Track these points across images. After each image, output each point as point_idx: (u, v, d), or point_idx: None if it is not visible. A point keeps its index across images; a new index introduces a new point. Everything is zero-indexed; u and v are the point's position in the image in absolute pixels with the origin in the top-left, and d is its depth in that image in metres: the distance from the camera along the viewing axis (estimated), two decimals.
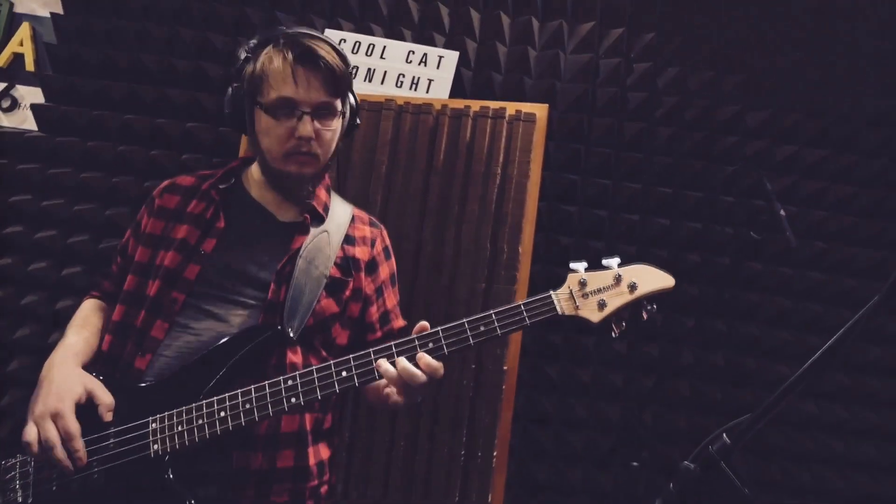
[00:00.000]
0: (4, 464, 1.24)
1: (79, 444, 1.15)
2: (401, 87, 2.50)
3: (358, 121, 1.47)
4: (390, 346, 1.17)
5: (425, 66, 2.55)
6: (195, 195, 1.39)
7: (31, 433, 1.16)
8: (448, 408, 2.03)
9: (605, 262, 1.21)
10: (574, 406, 2.44)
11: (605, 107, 2.66)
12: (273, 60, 1.28)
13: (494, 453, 2.00)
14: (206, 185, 1.40)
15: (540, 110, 2.16)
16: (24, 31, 2.81)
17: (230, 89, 1.35)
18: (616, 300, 1.17)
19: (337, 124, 1.36)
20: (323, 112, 1.31)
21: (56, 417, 1.16)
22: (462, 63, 2.67)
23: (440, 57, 2.57)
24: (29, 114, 2.72)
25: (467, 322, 1.17)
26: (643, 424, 2.31)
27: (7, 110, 2.77)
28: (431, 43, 2.68)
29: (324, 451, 1.36)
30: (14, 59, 2.81)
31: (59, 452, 1.14)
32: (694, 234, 2.54)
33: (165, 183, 1.45)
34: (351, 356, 1.19)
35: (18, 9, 2.84)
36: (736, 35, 2.66)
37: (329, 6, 2.76)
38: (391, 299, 1.49)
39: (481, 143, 2.14)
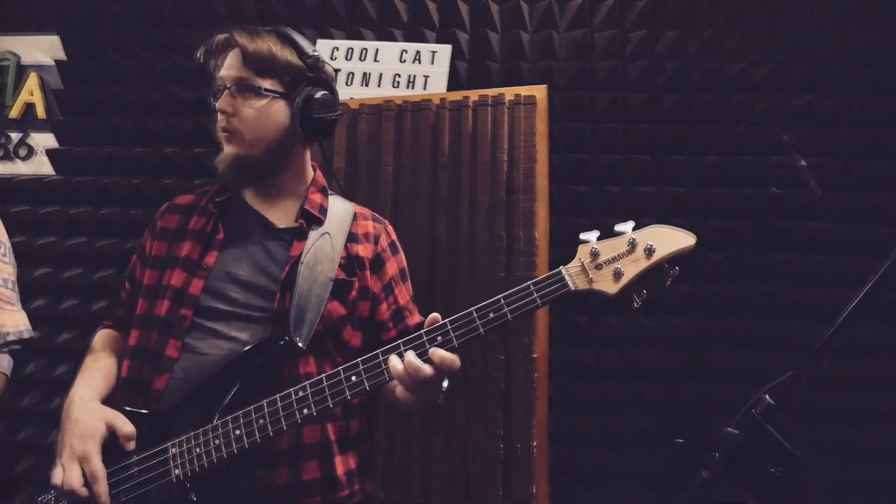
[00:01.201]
0: (40, 500, 1.26)
1: (102, 487, 1.16)
2: (398, 86, 2.50)
3: (331, 116, 1.40)
4: (398, 344, 1.14)
5: (419, 63, 2.55)
6: (195, 212, 1.41)
7: (57, 476, 1.17)
8: (480, 403, 2.02)
9: (617, 227, 1.13)
10: (609, 388, 2.41)
11: (606, 81, 2.62)
12: (207, 57, 1.38)
13: (533, 444, 1.99)
14: (205, 201, 1.42)
15: (539, 91, 2.14)
16: (32, 81, 2.88)
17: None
18: (633, 267, 1.08)
19: (261, 104, 1.32)
20: (243, 89, 1.31)
21: (83, 461, 1.17)
22: (457, 56, 2.66)
23: (433, 52, 2.56)
24: (45, 159, 2.79)
25: (475, 310, 1.12)
26: (681, 399, 2.27)
27: (24, 158, 2.85)
28: (423, 40, 2.68)
29: (352, 460, 1.33)
30: (26, 109, 2.89)
31: (82, 494, 1.15)
32: (713, 199, 2.49)
33: (165, 205, 1.46)
34: (360, 359, 1.16)
35: (25, 60, 2.92)
36: None
37: (317, 17, 2.77)
38: (403, 295, 1.45)
39: (484, 132, 2.13)
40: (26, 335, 1.63)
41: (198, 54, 1.39)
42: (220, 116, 1.32)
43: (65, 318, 2.61)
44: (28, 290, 2.64)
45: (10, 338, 1.60)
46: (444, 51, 2.58)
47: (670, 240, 1.09)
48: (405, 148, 2.18)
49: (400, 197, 2.16)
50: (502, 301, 1.13)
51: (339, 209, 1.44)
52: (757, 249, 2.40)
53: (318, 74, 1.38)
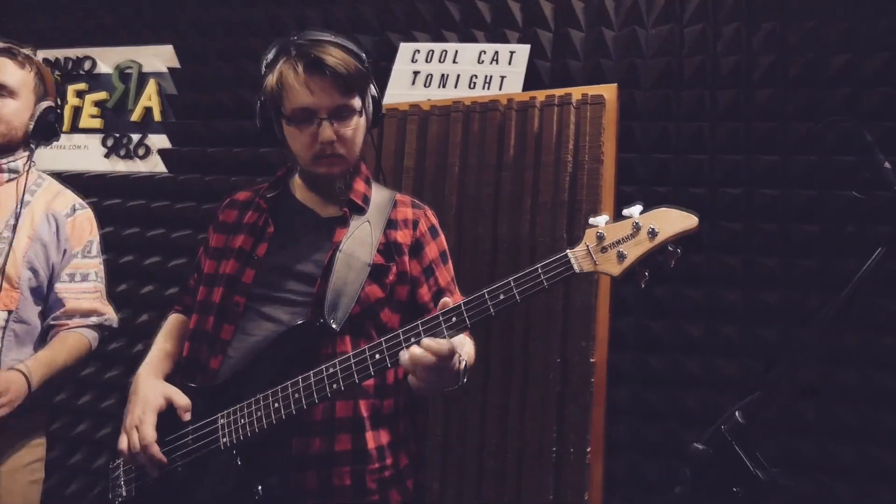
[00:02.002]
0: (112, 465, 1.44)
1: (153, 449, 1.30)
2: (474, 87, 2.52)
3: (383, 112, 1.52)
4: (417, 325, 1.19)
5: (497, 63, 2.55)
6: (250, 207, 1.51)
7: (121, 442, 1.34)
8: (536, 405, 2.00)
9: (625, 211, 1.15)
10: (684, 398, 2.30)
11: (694, 78, 2.49)
12: (285, 74, 1.34)
13: (588, 449, 1.94)
14: (258, 197, 1.52)
15: (608, 91, 2.09)
16: (151, 87, 3.19)
17: (258, 103, 1.44)
18: (636, 249, 1.11)
19: (356, 122, 1.40)
20: (340, 114, 1.36)
21: (138, 428, 1.32)
22: (539, 55, 2.64)
23: (511, 53, 2.56)
24: (158, 158, 3.08)
25: (487, 292, 1.17)
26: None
27: (142, 157, 3.16)
28: (505, 40, 2.68)
29: (384, 436, 1.39)
30: (145, 112, 3.19)
31: (141, 457, 1.30)
32: (807, 201, 2.30)
33: (226, 200, 1.59)
34: (383, 339, 1.22)
35: (145, 69, 3.23)
36: None
37: (404, 21, 2.85)
38: (444, 277, 1.48)
39: (549, 133, 2.10)
40: (115, 325, 1.89)
41: (267, 56, 1.41)
42: (318, 144, 1.36)
43: (170, 301, 2.87)
44: (138, 277, 2.94)
45: (105, 323, 1.84)
46: (523, 51, 2.56)
47: (673, 222, 1.11)
48: (471, 148, 2.20)
49: (464, 197, 2.18)
50: (512, 283, 1.17)
51: (381, 197, 1.50)
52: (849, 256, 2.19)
53: (371, 75, 1.44)
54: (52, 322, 1.77)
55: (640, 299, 2.38)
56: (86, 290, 1.80)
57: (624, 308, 2.39)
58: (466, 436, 2.06)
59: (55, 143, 2.68)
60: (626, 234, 1.13)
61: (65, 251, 1.78)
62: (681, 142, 2.48)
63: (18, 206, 1.72)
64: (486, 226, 2.14)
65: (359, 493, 1.33)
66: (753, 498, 0.71)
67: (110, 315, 1.87)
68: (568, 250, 1.16)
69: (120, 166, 3.18)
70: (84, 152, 3.24)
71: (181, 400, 1.35)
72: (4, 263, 1.66)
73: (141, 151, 3.16)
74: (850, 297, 0.65)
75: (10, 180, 1.74)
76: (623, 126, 2.44)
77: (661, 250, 1.12)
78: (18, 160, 1.76)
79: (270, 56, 1.41)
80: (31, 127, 1.76)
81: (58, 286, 1.76)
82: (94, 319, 1.80)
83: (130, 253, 3.00)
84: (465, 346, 1.35)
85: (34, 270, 1.71)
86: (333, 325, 1.33)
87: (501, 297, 1.16)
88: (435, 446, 2.07)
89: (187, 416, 1.35)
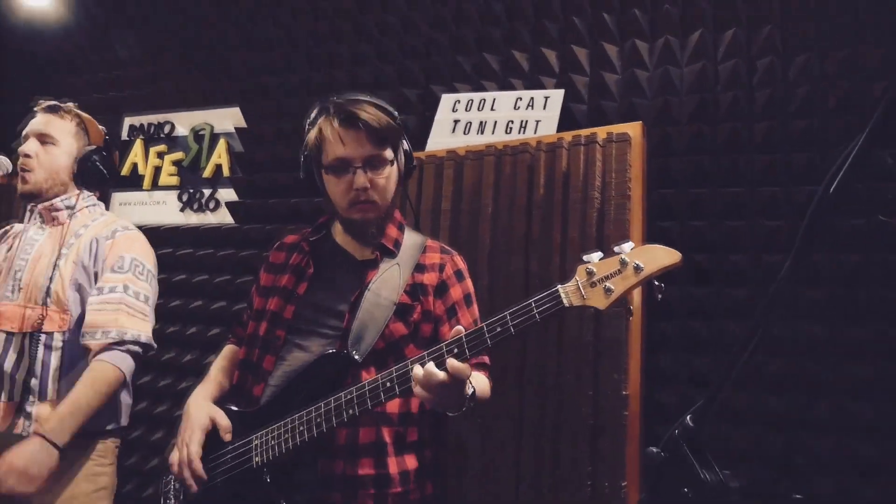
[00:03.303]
0: (164, 479, 1.60)
1: (195, 465, 1.44)
2: (510, 132, 2.63)
3: (414, 164, 1.66)
4: (423, 355, 1.29)
5: (532, 109, 2.66)
6: (295, 250, 1.67)
7: (172, 457, 1.51)
8: (568, 438, 2.02)
9: (615, 248, 1.23)
10: (729, 432, 2.25)
11: (729, 112, 2.52)
12: (324, 129, 1.51)
13: (624, 484, 1.94)
14: (302, 241, 1.67)
15: (632, 128, 2.15)
16: (221, 146, 3.49)
17: (301, 156, 1.61)
18: (622, 284, 1.19)
19: (389, 171, 1.55)
20: (374, 163, 1.51)
21: (186, 445, 1.47)
22: (575, 99, 2.73)
23: (546, 98, 2.67)
24: (226, 210, 3.35)
25: (486, 325, 1.27)
26: (805, 450, 2.05)
27: (213, 210, 3.44)
28: (542, 87, 2.79)
29: (410, 462, 1.47)
30: (216, 169, 3.49)
31: (184, 471, 1.45)
32: (852, 230, 2.25)
33: (276, 244, 1.75)
34: (394, 367, 1.33)
35: (216, 129, 3.54)
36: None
37: (447, 74, 3.03)
38: (466, 318, 1.56)
39: (576, 171, 2.18)
40: (143, 339, 1.90)
41: (311, 115, 1.58)
42: (352, 192, 1.50)
43: None
44: (205, 321, 3.16)
45: (128, 337, 1.84)
46: (557, 95, 2.67)
47: (658, 257, 1.18)
48: (503, 189, 2.30)
49: (497, 235, 2.27)
50: (508, 317, 1.26)
51: (412, 242, 1.62)
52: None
53: (402, 130, 1.59)
54: (82, 342, 1.84)
55: (679, 334, 2.38)
56: (108, 300, 1.85)
57: (664, 342, 2.39)
58: (502, 470, 2.10)
59: (139, 200, 2.96)
60: (614, 269, 1.21)
61: (102, 269, 1.93)
62: (718, 175, 2.50)
63: (66, 237, 1.93)
64: (518, 262, 2.21)
65: None
66: (703, 499, 0.74)
67: (135, 328, 1.86)
68: (559, 286, 1.25)
69: (193, 219, 3.47)
70: (163, 207, 3.56)
71: (223, 421, 1.50)
72: (49, 285, 1.85)
73: (211, 205, 3.44)
74: (775, 289, 0.69)
75: (70, 217, 1.98)
76: (658, 162, 2.49)
77: (646, 284, 1.20)
78: (72, 197, 1.99)
79: (312, 114, 1.58)
80: (76, 168, 1.99)
81: (88, 299, 1.88)
82: (113, 336, 1.82)
83: (200, 298, 3.24)
84: (477, 378, 1.44)
85: (80, 292, 1.89)
86: (356, 357, 1.44)
87: (498, 329, 1.26)
88: (472, 481, 2.12)
89: (228, 437, 1.49)
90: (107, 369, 1.80)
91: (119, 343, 1.84)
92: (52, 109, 2.02)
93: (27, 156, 1.94)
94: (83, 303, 1.89)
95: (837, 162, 0.75)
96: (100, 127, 2.11)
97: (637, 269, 1.17)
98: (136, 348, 1.88)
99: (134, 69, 3.87)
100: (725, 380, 0.75)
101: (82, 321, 1.87)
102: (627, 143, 2.13)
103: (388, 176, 1.55)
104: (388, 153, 1.54)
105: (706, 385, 2.28)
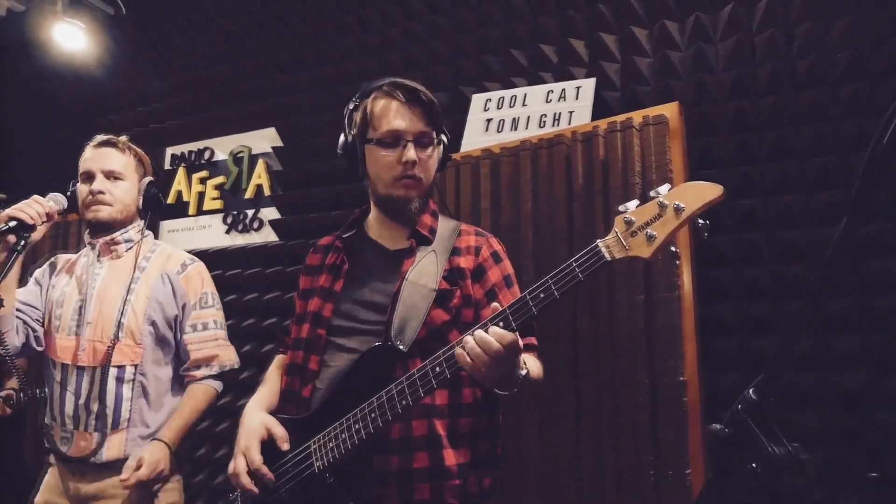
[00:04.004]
0: (231, 496, 1.60)
1: (264, 469, 1.45)
2: (543, 126, 2.61)
3: (450, 156, 1.66)
4: (468, 333, 1.25)
5: (564, 100, 2.63)
6: (330, 250, 1.67)
7: (230, 467, 1.51)
8: (628, 427, 1.98)
9: (651, 192, 1.17)
10: (793, 416, 2.16)
11: (770, 85, 2.44)
12: (380, 102, 1.52)
13: (688, 472, 1.88)
14: (337, 239, 1.68)
15: (669, 110, 2.10)
16: (260, 166, 3.56)
17: (342, 136, 1.61)
18: (664, 228, 1.12)
19: (434, 153, 1.56)
20: (423, 141, 1.52)
21: (246, 453, 1.48)
22: (607, 87, 2.69)
23: (577, 88, 2.63)
24: (270, 229, 3.41)
25: (528, 293, 1.23)
26: (881, 426, 1.96)
27: (257, 230, 3.50)
28: (572, 78, 2.76)
29: (465, 454, 1.45)
30: (257, 189, 3.55)
31: (244, 479, 1.45)
32: None
33: (312, 248, 1.77)
34: (441, 351, 1.31)
35: (254, 151, 3.61)
36: None
37: (476, 75, 3.02)
38: (507, 300, 1.49)
39: (615, 158, 2.14)
40: (235, 365, 2.13)
41: (355, 98, 1.59)
42: (400, 166, 1.50)
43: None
44: (259, 338, 3.22)
45: (226, 368, 2.08)
46: (588, 84, 2.63)
47: (697, 194, 1.11)
48: (541, 183, 2.28)
49: (539, 230, 2.24)
50: (550, 282, 1.22)
51: (446, 228, 1.61)
52: None
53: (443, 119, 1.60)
54: (182, 373, 2.05)
55: (735, 316, 2.30)
56: (206, 338, 2.05)
57: (720, 325, 2.31)
58: (563, 463, 2.06)
59: (186, 226, 3.01)
60: (653, 214, 1.15)
61: (183, 305, 2.03)
62: (764, 151, 2.42)
63: (130, 270, 2.00)
64: (562, 255, 2.18)
65: None
66: (772, 474, 0.71)
67: (230, 359, 2.12)
68: (598, 241, 1.20)
69: (238, 240, 3.54)
70: (209, 231, 3.64)
71: (279, 430, 1.50)
72: (122, 320, 1.93)
73: (255, 224, 3.50)
74: (827, 265, 0.65)
75: (128, 249, 2.04)
76: (699, 143, 2.43)
77: (690, 225, 1.13)
78: (130, 230, 2.06)
79: (359, 94, 1.59)
80: (141, 201, 2.06)
81: (184, 338, 2.03)
82: (216, 367, 2.06)
83: (251, 316, 3.30)
84: (528, 361, 1.40)
85: (154, 325, 1.97)
86: (401, 347, 1.43)
87: (542, 295, 1.22)
88: (532, 476, 2.09)
89: (286, 446, 1.49)
90: (208, 391, 2.05)
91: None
92: (109, 144, 2.09)
93: (100, 192, 2.01)
94: (155, 336, 1.98)
95: (888, 112, 0.71)
96: (146, 156, 2.18)
97: (678, 209, 1.11)
98: (229, 372, 2.13)
99: (171, 100, 3.99)
100: (787, 351, 0.71)
101: (153, 352, 1.97)
102: (665, 125, 2.08)
103: (433, 157, 1.56)
104: (435, 135, 1.55)
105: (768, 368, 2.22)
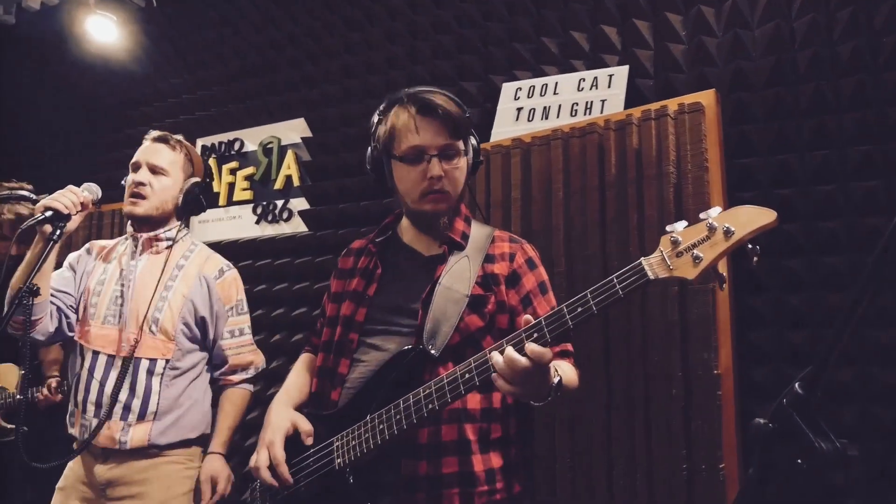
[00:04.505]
0: (251, 486, 1.62)
1: (281, 468, 1.45)
2: (575, 115, 2.57)
3: (480, 159, 1.62)
4: (502, 342, 1.23)
5: (597, 88, 2.59)
6: (363, 253, 1.66)
7: (252, 460, 1.52)
8: (661, 421, 1.95)
9: (702, 214, 1.14)
10: (831, 410, 2.11)
11: (810, 71, 2.36)
12: (400, 117, 1.49)
13: (721, 466, 1.85)
14: (370, 243, 1.67)
15: (705, 97, 2.06)
16: (289, 157, 3.57)
17: (369, 150, 1.60)
18: (711, 251, 1.09)
19: (461, 163, 1.52)
20: (448, 153, 1.49)
21: (269, 448, 1.48)
22: (640, 74, 2.64)
23: (610, 76, 2.59)
24: (300, 219, 3.42)
25: (566, 306, 1.21)
26: None
27: (286, 220, 3.52)
28: (604, 66, 2.71)
29: (495, 460, 1.43)
30: (286, 180, 3.57)
31: (265, 474, 1.46)
32: None
33: (344, 250, 1.76)
34: (472, 358, 1.29)
35: (284, 142, 3.63)
36: None
37: (506, 63, 2.99)
38: (542, 307, 1.50)
39: (649, 147, 2.10)
40: (263, 366, 2.21)
41: (380, 108, 1.57)
42: (426, 181, 1.48)
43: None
44: (290, 328, 3.24)
45: (259, 370, 2.18)
46: (621, 72, 2.59)
47: (750, 219, 1.08)
48: (573, 172, 2.24)
49: (571, 220, 2.22)
50: (588, 296, 1.19)
51: (480, 234, 1.59)
52: None
53: (471, 124, 1.57)
54: (217, 376, 2.11)
55: (771, 308, 2.25)
56: (243, 343, 2.12)
57: (756, 318, 2.26)
58: (594, 456, 2.04)
59: (216, 217, 3.04)
60: (702, 236, 1.12)
61: (218, 311, 2.06)
62: (803, 139, 2.35)
63: (168, 267, 2.03)
64: (595, 246, 2.15)
65: None
66: (818, 470, 0.68)
67: (262, 362, 2.21)
68: (642, 258, 1.17)
69: (268, 230, 3.56)
70: (239, 221, 3.68)
71: (305, 425, 1.50)
72: (158, 316, 1.97)
73: (285, 215, 3.52)
74: (878, 260, 0.63)
75: (167, 247, 2.06)
76: (735, 132, 2.37)
77: (739, 249, 1.10)
78: (173, 229, 2.08)
79: (383, 107, 1.57)
80: (181, 200, 2.07)
81: (221, 342, 2.07)
82: (252, 371, 2.15)
83: (281, 306, 3.33)
84: (562, 367, 1.39)
85: (187, 325, 2.00)
86: (432, 352, 1.41)
87: (579, 309, 1.20)
88: (564, 468, 2.07)
89: (310, 441, 1.49)
90: (245, 394, 2.15)
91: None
92: (162, 140, 2.11)
93: (141, 183, 2.02)
94: (188, 334, 2.01)
95: None
96: (201, 157, 2.21)
97: (728, 233, 1.08)
98: (260, 373, 2.22)
99: (202, 92, 4.03)
100: (835, 346, 0.68)
101: (185, 349, 2.01)
102: (701, 113, 2.03)
103: (460, 167, 1.52)
104: (461, 144, 1.51)
105: (804, 361, 2.17)
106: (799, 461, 0.69)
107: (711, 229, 1.10)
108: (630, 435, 1.99)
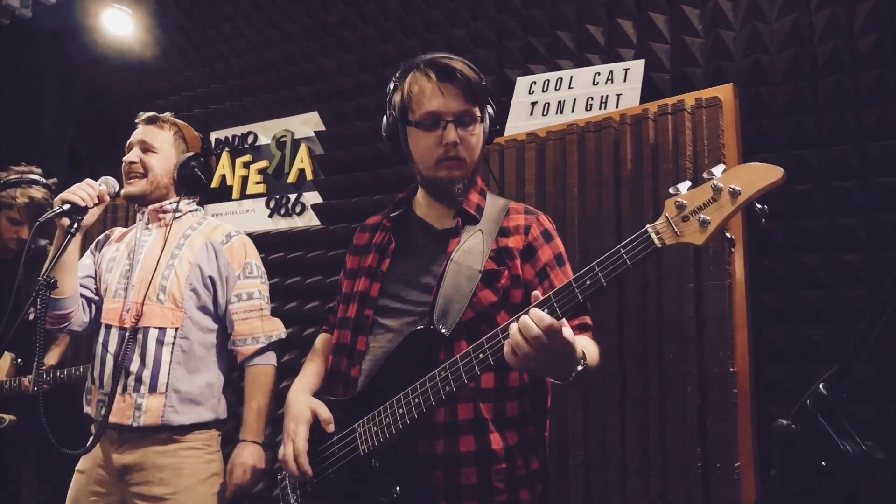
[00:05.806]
0: (280, 476, 1.63)
1: (301, 459, 1.46)
2: (590, 109, 2.55)
3: (497, 126, 1.60)
4: (513, 320, 1.21)
5: (612, 83, 2.57)
6: (378, 229, 1.66)
7: (279, 452, 1.53)
8: (677, 420, 1.94)
9: (705, 174, 1.10)
10: (852, 410, 2.09)
11: (829, 65, 2.33)
12: (417, 82, 1.48)
13: (737, 465, 1.84)
14: (385, 218, 1.66)
15: (723, 92, 2.03)
16: (302, 150, 3.57)
17: (384, 118, 1.59)
18: (718, 214, 1.05)
19: (478, 130, 1.51)
20: (465, 119, 1.47)
21: (294, 439, 1.49)
22: (656, 68, 2.62)
23: (625, 70, 2.56)
24: (312, 213, 3.43)
25: (574, 280, 1.19)
26: None
27: (299, 214, 3.53)
28: (620, 59, 2.69)
29: (512, 438, 1.43)
30: (299, 173, 3.58)
31: (291, 465, 1.47)
32: None
33: (359, 227, 1.76)
34: (485, 337, 1.28)
35: (297, 135, 3.63)
36: None
37: (521, 57, 2.97)
38: (559, 279, 1.46)
39: (665, 142, 2.08)
40: (283, 335, 2.11)
41: (396, 76, 1.55)
42: (441, 147, 1.47)
43: None
44: (302, 322, 3.25)
45: (273, 339, 2.07)
46: (637, 66, 2.56)
47: (755, 177, 1.04)
48: (589, 167, 2.23)
49: (586, 215, 2.20)
50: (597, 269, 1.17)
51: (494, 207, 1.57)
52: None
53: (488, 92, 1.56)
54: (231, 348, 2.05)
55: (789, 306, 2.22)
56: (251, 308, 2.04)
57: (773, 315, 2.24)
58: (608, 453, 2.04)
59: (229, 210, 3.06)
60: (707, 198, 1.07)
61: (227, 276, 2.04)
62: (822, 134, 2.32)
63: (173, 237, 2.04)
64: (610, 242, 2.14)
65: (487, 492, 1.39)
66: (843, 472, 0.67)
67: (276, 329, 2.09)
68: (648, 226, 1.13)
69: (281, 224, 3.57)
70: (252, 215, 3.69)
71: (324, 413, 1.50)
72: (165, 284, 1.97)
73: (298, 209, 3.53)
74: None
75: (176, 219, 2.08)
76: (753, 126, 2.34)
77: (748, 209, 1.05)
78: (180, 201, 2.10)
79: (399, 73, 1.56)
80: (176, 175, 2.09)
81: (229, 307, 2.04)
82: (262, 340, 2.04)
83: (294, 300, 3.34)
84: (582, 341, 1.35)
85: (195, 292, 1.99)
86: (443, 331, 1.40)
87: (588, 282, 1.18)
88: (577, 464, 2.07)
89: (331, 428, 1.49)
90: (267, 371, 2.05)
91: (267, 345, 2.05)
92: (151, 120, 2.14)
93: (132, 162, 2.06)
94: (197, 301, 2.00)
95: None
96: (196, 133, 2.21)
97: (734, 193, 1.04)
98: (278, 343, 2.09)
99: (215, 85, 4.03)
100: (863, 346, 0.67)
101: (194, 318, 1.99)
102: (718, 108, 2.01)
103: (477, 134, 1.51)
104: (477, 111, 1.50)
105: (821, 359, 2.15)
106: (823, 463, 0.68)
107: (717, 190, 1.06)
108: (645, 433, 1.98)
